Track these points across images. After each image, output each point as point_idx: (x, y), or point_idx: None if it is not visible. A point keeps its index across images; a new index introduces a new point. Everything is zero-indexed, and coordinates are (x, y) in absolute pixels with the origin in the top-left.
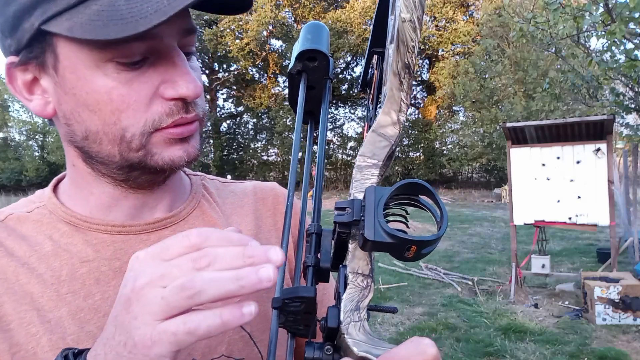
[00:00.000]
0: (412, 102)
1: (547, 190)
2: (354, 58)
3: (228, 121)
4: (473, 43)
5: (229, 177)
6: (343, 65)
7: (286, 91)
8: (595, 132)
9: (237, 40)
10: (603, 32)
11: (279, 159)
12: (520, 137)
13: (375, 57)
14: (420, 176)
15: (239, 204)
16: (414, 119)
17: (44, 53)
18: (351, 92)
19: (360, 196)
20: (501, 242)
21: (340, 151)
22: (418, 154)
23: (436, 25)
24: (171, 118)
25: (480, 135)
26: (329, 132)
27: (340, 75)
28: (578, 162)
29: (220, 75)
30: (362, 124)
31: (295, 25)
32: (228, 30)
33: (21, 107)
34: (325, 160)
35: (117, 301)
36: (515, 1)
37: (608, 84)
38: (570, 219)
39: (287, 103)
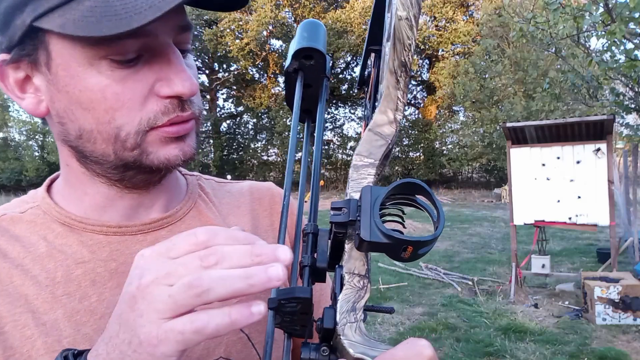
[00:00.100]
0: (412, 102)
1: (547, 190)
2: (354, 58)
3: (228, 121)
4: (473, 43)
5: (229, 177)
6: (343, 66)
7: None
8: (595, 132)
9: (237, 40)
10: (603, 32)
11: (278, 159)
12: (520, 137)
13: (372, 55)
14: (420, 176)
15: (235, 204)
16: (414, 119)
17: (37, 50)
18: (351, 92)
19: (357, 196)
20: (501, 242)
21: (340, 151)
22: (418, 154)
23: (436, 25)
24: (167, 116)
25: (480, 135)
26: (329, 132)
27: (340, 75)
28: (578, 162)
29: (220, 75)
30: (362, 124)
31: (295, 25)
32: (228, 30)
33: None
34: (325, 160)
35: (122, 299)
36: (515, 1)
37: (608, 84)
38: (570, 219)
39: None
